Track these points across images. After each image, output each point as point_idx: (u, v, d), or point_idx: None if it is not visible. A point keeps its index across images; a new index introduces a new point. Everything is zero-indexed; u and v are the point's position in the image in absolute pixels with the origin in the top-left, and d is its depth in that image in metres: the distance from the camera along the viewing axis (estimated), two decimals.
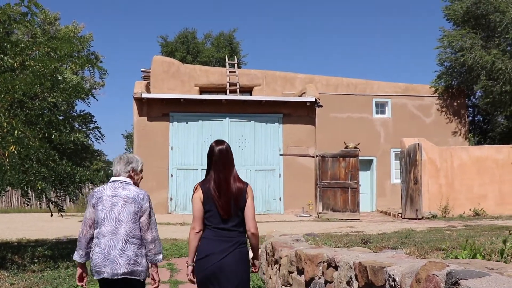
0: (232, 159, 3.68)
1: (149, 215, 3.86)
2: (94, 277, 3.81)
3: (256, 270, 3.86)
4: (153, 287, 3.88)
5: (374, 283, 3.02)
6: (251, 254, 3.73)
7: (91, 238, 3.79)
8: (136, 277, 3.76)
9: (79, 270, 3.84)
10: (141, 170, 4.11)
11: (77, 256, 3.79)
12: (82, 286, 3.89)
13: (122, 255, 3.72)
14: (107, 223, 3.76)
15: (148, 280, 3.85)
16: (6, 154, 6.47)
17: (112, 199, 3.82)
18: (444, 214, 15.32)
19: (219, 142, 3.71)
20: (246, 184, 3.66)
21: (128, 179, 3.94)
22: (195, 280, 3.58)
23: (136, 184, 4.02)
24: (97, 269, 3.72)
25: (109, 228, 3.76)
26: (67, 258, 7.68)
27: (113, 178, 3.97)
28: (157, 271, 3.88)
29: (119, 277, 3.70)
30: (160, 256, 3.88)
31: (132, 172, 3.98)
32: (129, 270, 3.71)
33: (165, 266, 7.36)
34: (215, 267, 3.46)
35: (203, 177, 3.72)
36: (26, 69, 7.51)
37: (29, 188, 6.78)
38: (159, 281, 3.90)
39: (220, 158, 3.63)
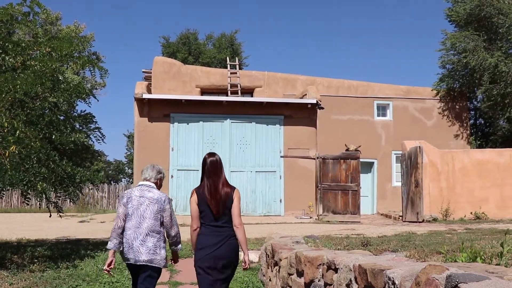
0: (221, 168, 4.49)
1: (170, 215, 4.73)
2: (124, 262, 4.73)
3: (246, 266, 4.51)
4: (171, 263, 5.10)
5: (373, 285, 3.01)
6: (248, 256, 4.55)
7: (123, 230, 4.59)
8: (155, 265, 4.58)
9: (109, 257, 4.53)
10: (162, 183, 5.00)
11: (111, 244, 4.52)
12: (107, 271, 4.57)
13: (143, 245, 4.55)
14: (134, 218, 4.60)
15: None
16: (7, 154, 6.46)
17: (139, 199, 4.66)
18: (445, 217, 15.29)
19: (211, 154, 4.55)
20: (233, 188, 4.44)
21: (153, 184, 4.80)
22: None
23: (159, 188, 4.87)
24: (125, 256, 4.60)
25: (134, 222, 4.60)
26: (66, 258, 7.67)
27: (141, 182, 4.81)
28: (177, 256, 5.01)
29: (141, 263, 4.55)
30: (180, 246, 4.92)
31: (159, 181, 4.89)
32: (149, 258, 4.55)
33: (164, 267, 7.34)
34: (210, 256, 4.30)
35: None
36: (27, 69, 7.50)
37: (29, 189, 6.77)
38: (177, 259, 5.03)
39: (211, 168, 4.44)
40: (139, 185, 4.78)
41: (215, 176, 4.42)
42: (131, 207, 4.64)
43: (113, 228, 4.58)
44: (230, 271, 4.41)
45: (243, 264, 4.48)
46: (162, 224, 4.68)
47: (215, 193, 4.35)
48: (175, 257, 4.99)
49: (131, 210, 4.63)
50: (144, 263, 4.55)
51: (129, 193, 4.73)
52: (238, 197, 4.41)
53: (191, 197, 4.44)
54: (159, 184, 4.88)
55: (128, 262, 4.61)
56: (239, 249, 4.44)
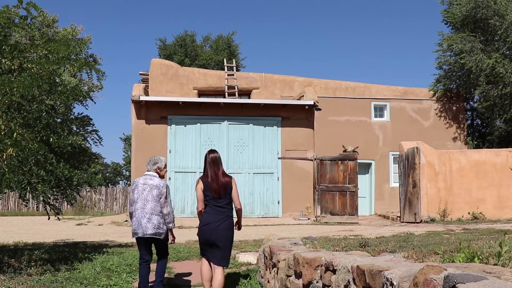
0: (220, 161, 5.75)
1: (166, 197, 5.89)
2: (132, 237, 5.94)
3: (238, 229, 5.91)
4: (170, 242, 6.08)
5: (372, 286, 3.00)
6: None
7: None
8: (159, 237, 5.84)
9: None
10: (165, 166, 6.14)
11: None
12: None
13: (149, 222, 5.78)
14: (139, 201, 5.86)
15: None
16: (4, 157, 6.44)
17: (143, 186, 5.92)
18: (442, 218, 15.31)
19: (212, 151, 5.85)
20: (231, 177, 5.71)
21: (154, 173, 6.02)
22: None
23: (162, 176, 6.09)
24: (134, 231, 5.86)
25: (140, 204, 5.85)
26: (64, 261, 7.65)
27: (146, 172, 6.08)
28: (172, 233, 6.02)
29: (148, 236, 5.78)
30: (171, 225, 5.95)
31: (158, 169, 6.06)
32: (153, 232, 5.79)
33: None
34: (212, 231, 5.47)
35: None
36: (24, 71, 7.48)
37: (28, 191, 6.74)
38: (174, 238, 6.09)
39: (212, 161, 5.70)
40: (144, 175, 6.04)
41: (215, 167, 5.64)
42: (137, 192, 5.89)
43: (129, 212, 6.08)
44: (228, 242, 5.56)
45: (236, 228, 5.81)
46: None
47: (216, 181, 5.56)
48: (170, 234, 6.02)
49: (137, 195, 5.88)
50: (150, 236, 5.78)
51: (136, 182, 6.00)
52: (235, 184, 5.69)
53: (197, 184, 5.62)
54: (159, 172, 6.04)
55: (137, 236, 5.82)
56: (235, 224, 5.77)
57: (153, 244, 5.97)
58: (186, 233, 12.23)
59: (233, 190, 5.61)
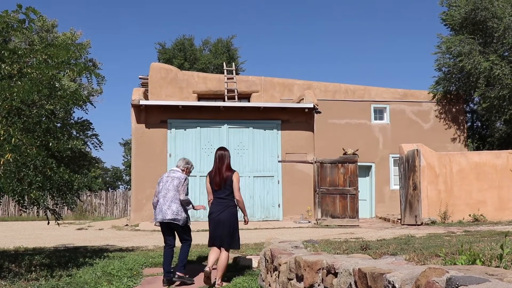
0: (225, 158, 6.49)
1: (182, 186, 6.70)
2: (153, 222, 6.94)
3: (246, 223, 6.68)
4: (196, 209, 7.05)
5: None
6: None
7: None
8: (177, 222, 6.61)
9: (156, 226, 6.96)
10: (191, 171, 7.09)
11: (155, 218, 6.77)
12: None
13: (169, 209, 6.59)
14: (162, 191, 6.73)
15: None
16: (2, 162, 6.43)
17: (166, 178, 6.84)
18: (443, 220, 15.29)
19: (219, 148, 6.69)
20: (233, 172, 6.45)
21: (178, 169, 6.93)
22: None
23: (186, 174, 6.94)
24: (155, 217, 6.73)
25: (162, 193, 6.71)
26: (65, 266, 7.63)
27: (172, 168, 7.12)
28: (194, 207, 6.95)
29: (167, 220, 6.59)
30: (189, 206, 6.78)
31: (186, 169, 6.99)
32: (172, 217, 6.58)
33: (162, 274, 7.30)
34: (216, 219, 6.35)
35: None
36: (23, 76, 7.47)
37: (22, 197, 6.73)
38: (202, 207, 7.13)
39: (218, 158, 6.52)
40: (170, 170, 7.01)
41: (220, 163, 6.45)
42: (161, 183, 6.82)
43: (153, 204, 6.83)
44: (230, 228, 6.32)
45: (244, 223, 6.57)
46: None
47: (218, 175, 6.39)
48: (193, 207, 6.92)
49: (161, 185, 6.78)
50: (169, 221, 6.57)
51: (161, 175, 6.99)
52: (237, 178, 6.41)
53: (206, 178, 6.59)
54: (186, 172, 6.94)
55: (157, 220, 6.65)
56: (238, 214, 6.46)
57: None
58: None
59: (233, 183, 6.33)
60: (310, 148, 18.07)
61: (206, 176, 6.57)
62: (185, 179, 6.80)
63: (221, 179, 6.34)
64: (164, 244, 6.85)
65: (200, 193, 17.24)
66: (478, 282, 2.14)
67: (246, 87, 21.20)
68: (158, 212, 6.63)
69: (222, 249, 6.34)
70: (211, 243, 6.46)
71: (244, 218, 6.57)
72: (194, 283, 6.63)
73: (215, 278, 6.23)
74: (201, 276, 6.76)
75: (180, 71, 21.74)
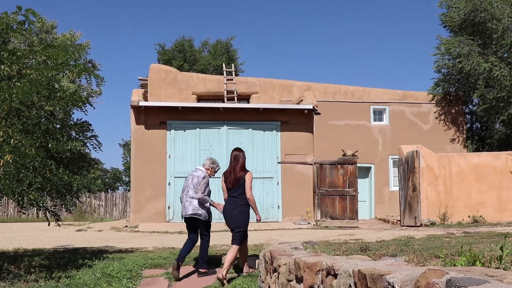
0: (240, 158, 6.94)
1: (199, 184, 7.16)
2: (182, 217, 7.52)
3: (259, 221, 7.04)
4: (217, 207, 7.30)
5: None
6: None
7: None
8: (198, 217, 7.16)
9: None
10: (216, 171, 7.51)
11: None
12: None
13: (190, 205, 7.18)
14: (185, 188, 7.32)
15: None
16: (1, 163, 6.41)
17: (189, 176, 7.40)
18: (442, 221, 15.29)
19: (236, 149, 7.12)
20: (246, 172, 6.90)
21: (202, 168, 7.42)
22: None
23: (210, 175, 7.43)
24: (182, 212, 7.37)
25: (185, 191, 7.29)
26: (64, 268, 7.62)
27: (197, 167, 7.61)
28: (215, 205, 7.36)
29: (188, 215, 7.21)
30: (207, 204, 7.21)
31: (211, 169, 7.43)
32: (193, 212, 7.15)
33: (163, 275, 7.30)
34: (228, 216, 6.88)
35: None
36: (23, 77, 7.47)
37: (22, 198, 6.72)
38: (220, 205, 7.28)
39: (232, 158, 7.00)
40: (195, 168, 7.53)
41: (235, 163, 6.93)
42: (186, 180, 7.41)
43: (180, 199, 7.42)
44: (237, 224, 6.79)
45: (256, 221, 7.04)
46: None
47: (232, 174, 6.87)
48: (214, 205, 7.35)
49: (185, 183, 7.39)
50: (189, 216, 7.17)
51: (188, 174, 7.56)
52: (249, 178, 6.85)
53: (222, 177, 7.02)
54: (211, 171, 7.41)
55: (182, 215, 7.34)
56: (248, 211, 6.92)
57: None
58: (186, 238, 12.20)
59: (245, 183, 6.79)
60: (310, 149, 18.07)
61: (222, 176, 7.00)
62: (204, 178, 7.22)
63: (235, 178, 6.82)
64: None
65: None
66: (478, 284, 2.14)
67: (246, 88, 21.21)
68: (182, 208, 7.30)
69: (231, 245, 6.85)
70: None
71: (256, 216, 6.95)
72: (216, 273, 7.11)
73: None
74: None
75: (180, 72, 21.74)
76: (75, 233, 15.66)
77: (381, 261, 3.69)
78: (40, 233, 15.42)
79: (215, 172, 7.48)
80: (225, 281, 6.47)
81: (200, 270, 7.18)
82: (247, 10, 75.02)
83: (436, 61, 21.69)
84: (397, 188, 17.88)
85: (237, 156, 6.94)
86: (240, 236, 6.80)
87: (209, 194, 7.35)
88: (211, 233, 7.61)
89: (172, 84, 20.74)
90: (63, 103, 7.81)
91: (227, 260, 6.63)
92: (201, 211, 7.11)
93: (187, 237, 7.41)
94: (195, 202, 7.12)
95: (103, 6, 74.59)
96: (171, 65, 29.71)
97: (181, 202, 7.34)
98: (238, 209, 6.77)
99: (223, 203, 7.11)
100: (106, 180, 47.58)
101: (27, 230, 17.19)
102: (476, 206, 15.57)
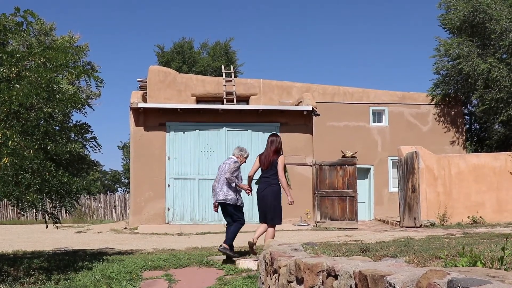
0: (275, 143, 7.66)
1: (230, 168, 7.84)
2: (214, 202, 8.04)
3: (291, 203, 7.77)
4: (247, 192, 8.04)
5: None
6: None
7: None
8: (227, 202, 7.82)
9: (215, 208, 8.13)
10: (246, 157, 8.20)
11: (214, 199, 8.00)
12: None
13: (220, 191, 7.82)
14: (218, 175, 7.98)
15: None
16: None
17: (223, 164, 8.03)
18: (442, 222, 15.29)
19: (272, 134, 7.96)
20: (278, 156, 7.61)
21: (233, 156, 8.08)
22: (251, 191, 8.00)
23: (241, 162, 8.10)
24: (213, 198, 7.96)
25: (217, 178, 7.94)
26: (63, 270, 7.60)
27: (229, 156, 8.31)
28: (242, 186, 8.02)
29: (219, 201, 7.85)
30: (233, 184, 7.83)
31: (240, 156, 8.09)
32: (223, 198, 7.80)
33: (163, 277, 7.28)
34: (261, 195, 7.63)
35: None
36: (22, 79, 7.45)
37: (20, 200, 6.70)
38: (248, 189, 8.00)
39: (270, 142, 7.73)
40: (228, 157, 8.32)
41: (271, 146, 7.65)
42: (218, 168, 8.07)
43: (212, 187, 8.04)
44: (271, 203, 7.51)
45: (289, 203, 7.74)
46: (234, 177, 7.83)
47: (267, 156, 7.63)
48: (242, 186, 7.99)
49: (218, 171, 8.01)
50: (220, 201, 7.81)
51: (222, 162, 8.19)
52: (281, 161, 7.58)
53: (257, 158, 7.82)
54: (240, 158, 8.05)
55: (214, 200, 7.91)
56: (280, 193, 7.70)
57: None
58: (186, 240, 12.19)
59: (278, 165, 7.52)
60: (309, 151, 18.07)
61: (257, 156, 7.81)
62: (235, 162, 7.90)
63: (269, 160, 7.56)
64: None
65: (199, 196, 17.22)
66: (479, 284, 2.13)
67: (245, 90, 21.21)
68: (214, 193, 7.89)
69: (268, 226, 7.55)
70: (260, 219, 7.72)
71: (288, 198, 7.60)
72: (236, 257, 7.72)
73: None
74: None
75: (179, 74, 21.74)
76: (75, 235, 15.64)
77: (381, 262, 3.69)
78: (40, 235, 15.39)
79: (245, 158, 8.13)
80: (254, 247, 7.57)
81: (223, 244, 7.70)
82: (245, 12, 75.09)
83: (435, 62, 21.72)
84: (396, 189, 17.88)
85: (273, 141, 7.66)
86: (271, 215, 7.53)
87: (240, 179, 7.93)
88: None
89: (171, 85, 20.73)
90: (62, 105, 7.80)
91: (267, 237, 7.44)
92: (231, 197, 7.75)
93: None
94: (226, 188, 7.74)
95: (102, 8, 74.63)
96: (170, 66, 29.70)
97: (213, 190, 7.91)
98: (270, 188, 7.49)
99: (246, 183, 7.90)
100: (106, 182, 47.55)
101: (26, 232, 17.16)
102: (476, 207, 15.58)
